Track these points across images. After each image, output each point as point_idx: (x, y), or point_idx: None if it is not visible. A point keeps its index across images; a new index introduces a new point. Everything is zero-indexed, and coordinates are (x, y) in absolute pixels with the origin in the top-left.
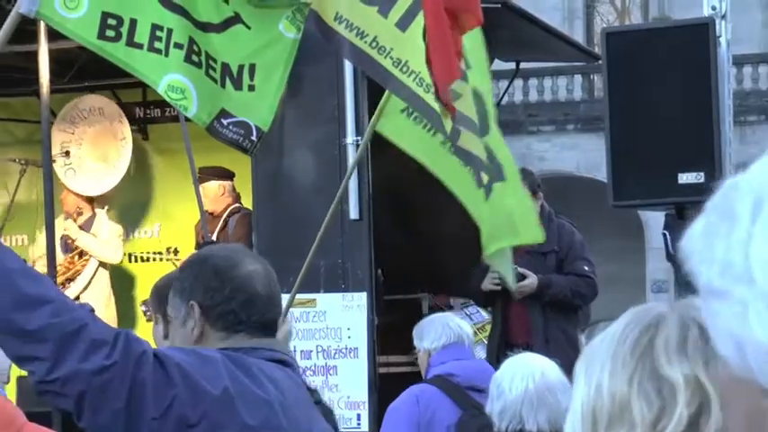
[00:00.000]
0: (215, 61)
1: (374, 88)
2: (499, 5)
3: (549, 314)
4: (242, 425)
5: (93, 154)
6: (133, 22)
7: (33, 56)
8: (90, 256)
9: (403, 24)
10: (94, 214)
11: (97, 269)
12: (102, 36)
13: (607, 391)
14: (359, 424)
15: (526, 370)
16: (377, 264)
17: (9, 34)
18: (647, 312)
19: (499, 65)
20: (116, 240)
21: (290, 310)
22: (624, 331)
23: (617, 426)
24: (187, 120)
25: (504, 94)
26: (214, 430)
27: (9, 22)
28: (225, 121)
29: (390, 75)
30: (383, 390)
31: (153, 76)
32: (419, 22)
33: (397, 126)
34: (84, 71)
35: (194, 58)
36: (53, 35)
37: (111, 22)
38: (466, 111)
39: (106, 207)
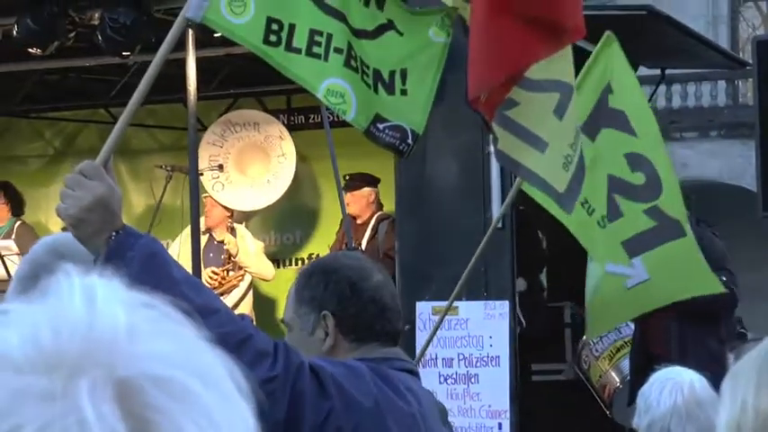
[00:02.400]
0: (368, 67)
1: None
2: (644, 12)
3: (686, 325)
4: None
5: (244, 169)
6: (292, 27)
7: (180, 63)
8: (245, 271)
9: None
10: (234, 229)
11: (251, 284)
12: (266, 41)
13: (752, 407)
14: None
15: (675, 384)
16: (522, 273)
17: (176, 39)
18: None
19: (643, 71)
20: (263, 256)
21: (432, 317)
22: None
23: None
24: (332, 126)
25: (648, 100)
26: None
27: (175, 27)
28: (380, 126)
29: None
30: (526, 398)
31: (311, 80)
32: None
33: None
34: (229, 79)
35: (352, 63)
36: (200, 43)
37: (274, 26)
38: (527, 123)
39: (244, 223)
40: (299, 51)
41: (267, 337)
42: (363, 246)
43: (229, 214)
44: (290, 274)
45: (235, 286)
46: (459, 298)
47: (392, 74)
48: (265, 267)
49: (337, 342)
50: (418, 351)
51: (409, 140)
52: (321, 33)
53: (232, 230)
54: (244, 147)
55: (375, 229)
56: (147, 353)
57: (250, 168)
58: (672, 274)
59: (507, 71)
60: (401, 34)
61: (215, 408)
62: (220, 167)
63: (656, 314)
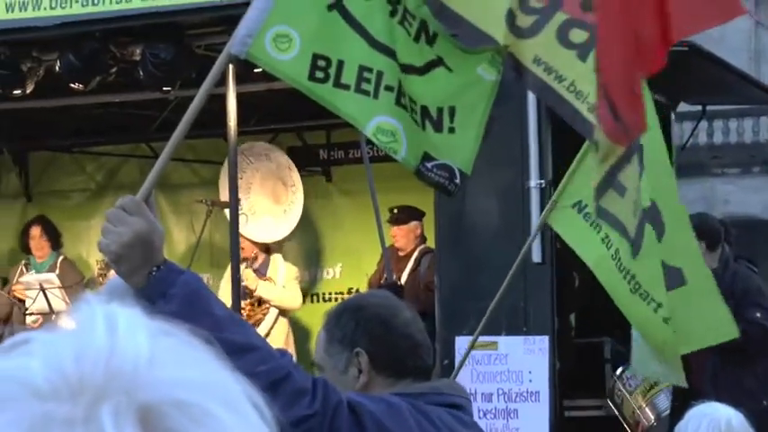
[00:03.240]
0: (415, 104)
1: (558, 132)
2: (686, 49)
3: (720, 360)
4: None
5: (263, 200)
6: (341, 63)
7: (220, 98)
8: (270, 304)
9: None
10: (268, 258)
11: (277, 317)
12: (311, 77)
13: None
14: None
15: (711, 420)
16: (565, 308)
17: (218, 75)
18: None
19: (684, 107)
20: (293, 284)
21: (472, 352)
22: None
23: None
24: (371, 161)
25: (690, 137)
26: None
27: (219, 63)
28: (428, 165)
29: (587, 122)
30: None
31: (360, 117)
32: None
33: (566, 220)
34: (270, 114)
35: (403, 101)
36: (240, 78)
37: (321, 63)
38: (622, 179)
39: (281, 252)
40: (347, 88)
41: (306, 375)
42: (404, 278)
43: (260, 244)
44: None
45: (261, 320)
46: (498, 333)
47: (440, 111)
48: (290, 298)
49: (371, 379)
50: None
51: (457, 180)
52: (371, 70)
53: (267, 260)
54: (262, 177)
55: (418, 262)
56: (169, 379)
57: (272, 199)
58: (685, 321)
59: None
60: (450, 71)
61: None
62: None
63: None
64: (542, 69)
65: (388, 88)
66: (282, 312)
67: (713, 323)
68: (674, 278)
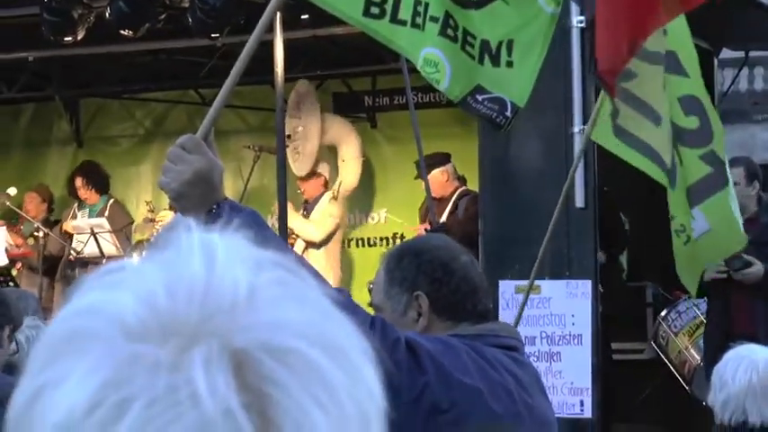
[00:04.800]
0: (474, 38)
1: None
2: None
3: None
4: (488, 412)
5: (317, 136)
6: (397, 0)
7: (267, 45)
8: (296, 235)
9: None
10: (321, 195)
11: (305, 250)
12: (366, 13)
13: None
14: (582, 410)
15: (750, 362)
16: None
17: (271, 16)
18: None
19: (726, 53)
20: (326, 220)
21: (514, 295)
22: None
23: None
24: (416, 107)
25: (732, 83)
26: (463, 417)
27: (273, 3)
28: (480, 97)
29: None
30: (610, 375)
31: (412, 51)
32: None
33: (608, 132)
34: (316, 60)
35: (450, 32)
36: (287, 25)
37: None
38: (643, 95)
39: (335, 189)
40: (404, 23)
41: (365, 311)
42: (443, 221)
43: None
44: (374, 252)
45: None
46: (541, 277)
47: (499, 45)
48: (312, 231)
49: (431, 322)
50: None
51: (508, 113)
52: (421, 3)
53: (318, 198)
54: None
55: (456, 205)
56: (268, 321)
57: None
58: (728, 224)
59: (636, 37)
60: (507, 4)
61: (339, 383)
62: (288, 137)
63: (743, 292)
64: None
65: (433, 19)
66: (313, 245)
67: (737, 228)
68: (723, 176)
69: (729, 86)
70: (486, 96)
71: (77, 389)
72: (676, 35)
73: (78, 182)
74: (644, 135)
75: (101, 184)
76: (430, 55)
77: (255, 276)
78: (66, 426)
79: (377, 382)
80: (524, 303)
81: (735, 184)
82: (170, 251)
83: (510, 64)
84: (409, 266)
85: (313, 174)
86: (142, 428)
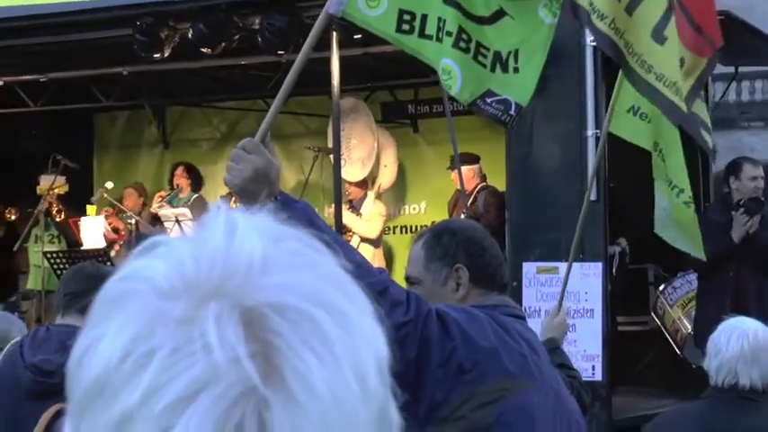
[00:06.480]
0: (487, 49)
1: (612, 88)
2: (723, 17)
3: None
4: (504, 371)
5: (357, 146)
6: (424, 17)
7: (325, 61)
8: (353, 232)
9: (630, 8)
10: (365, 196)
11: (359, 245)
12: (398, 30)
13: None
14: (593, 374)
15: (741, 331)
16: (622, 236)
17: (319, 35)
18: None
19: (719, 68)
20: (376, 218)
21: (536, 275)
22: None
23: None
24: (452, 115)
25: (723, 95)
26: (483, 375)
27: (318, 23)
28: (488, 100)
29: (622, 55)
30: (616, 343)
31: (435, 61)
32: (647, 4)
33: (625, 124)
34: (366, 75)
35: (462, 44)
36: (342, 44)
37: (406, 17)
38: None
39: (376, 189)
40: (430, 38)
41: (401, 288)
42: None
43: (360, 184)
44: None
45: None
46: (559, 259)
47: (508, 54)
48: (367, 229)
49: (469, 291)
50: (524, 304)
51: (512, 111)
52: (441, 20)
53: (364, 197)
54: (354, 127)
55: (475, 198)
56: (277, 283)
57: (363, 145)
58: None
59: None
60: (513, 18)
61: (334, 335)
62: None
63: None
64: (587, 2)
65: (448, 33)
66: (366, 240)
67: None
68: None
69: (721, 97)
70: (494, 99)
71: (112, 342)
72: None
73: (178, 170)
74: (653, 78)
75: (196, 181)
76: (445, 65)
77: (272, 246)
78: (103, 376)
79: (377, 340)
80: (566, 282)
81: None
82: (201, 228)
83: (516, 69)
84: (449, 243)
85: (361, 177)
86: (163, 374)
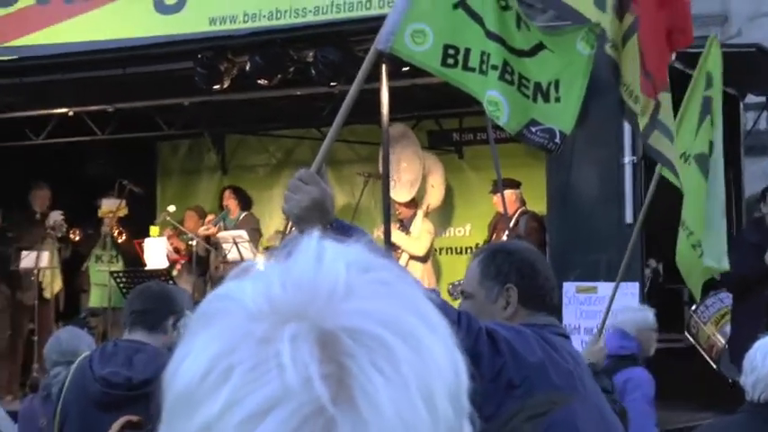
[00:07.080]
0: (528, 81)
1: None
2: (754, 50)
3: None
4: (552, 384)
5: (406, 169)
6: (467, 51)
7: (375, 92)
8: (402, 250)
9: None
10: (414, 215)
11: (408, 262)
12: (443, 63)
13: None
14: None
15: None
16: (651, 258)
17: (369, 69)
18: None
19: (750, 98)
20: (424, 236)
21: (575, 294)
22: None
23: None
24: (496, 143)
25: (754, 124)
26: (533, 389)
27: (369, 58)
28: (533, 129)
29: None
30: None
31: (480, 93)
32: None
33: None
34: (413, 104)
35: (507, 77)
36: (391, 76)
37: (451, 51)
38: (665, 119)
39: (425, 208)
40: (473, 70)
41: (453, 308)
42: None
43: (410, 204)
44: (459, 260)
45: None
46: (597, 279)
47: (548, 85)
48: (416, 246)
49: (517, 310)
50: (564, 321)
51: (557, 140)
52: (485, 53)
53: (413, 217)
54: (402, 152)
55: (517, 222)
56: (356, 309)
57: (410, 168)
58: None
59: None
60: (552, 52)
61: (404, 360)
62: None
63: None
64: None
65: (494, 67)
66: (415, 258)
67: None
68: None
69: (752, 126)
70: (538, 128)
71: (198, 357)
72: (716, 84)
73: (226, 192)
74: (664, 150)
75: (244, 201)
76: (492, 97)
77: (358, 275)
78: (188, 388)
79: (451, 367)
80: (612, 299)
81: None
82: (291, 253)
83: (558, 99)
84: (503, 263)
85: (409, 198)
86: (240, 390)
